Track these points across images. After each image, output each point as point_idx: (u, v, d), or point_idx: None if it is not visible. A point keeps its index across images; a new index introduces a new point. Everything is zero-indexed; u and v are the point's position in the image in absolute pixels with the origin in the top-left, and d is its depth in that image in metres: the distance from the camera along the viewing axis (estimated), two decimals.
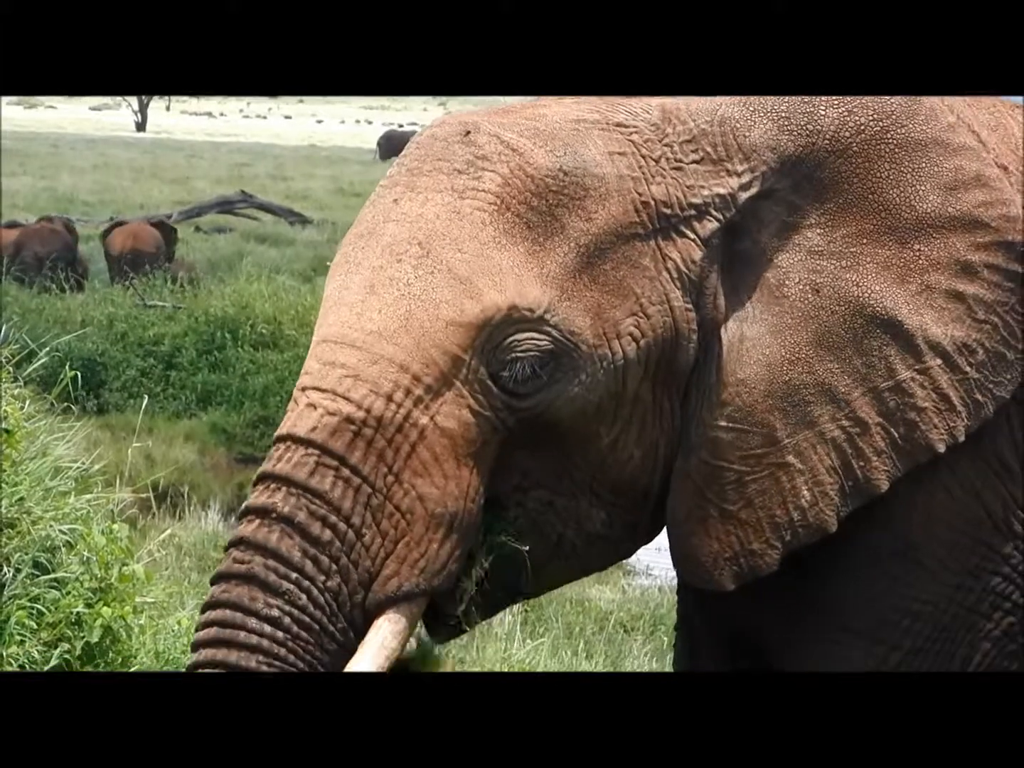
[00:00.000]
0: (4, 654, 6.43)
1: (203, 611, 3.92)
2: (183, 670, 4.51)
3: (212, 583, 3.92)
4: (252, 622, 3.77)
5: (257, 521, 3.84)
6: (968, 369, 4.22)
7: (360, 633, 3.85)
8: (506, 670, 7.85)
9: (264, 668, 3.80)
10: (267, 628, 3.74)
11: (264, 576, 3.77)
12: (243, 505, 4.05)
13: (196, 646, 3.91)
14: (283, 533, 3.80)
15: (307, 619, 3.79)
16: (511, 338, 3.94)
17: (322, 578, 3.80)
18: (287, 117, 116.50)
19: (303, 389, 3.97)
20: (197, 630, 3.96)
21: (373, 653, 3.79)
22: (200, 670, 3.93)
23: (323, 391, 3.90)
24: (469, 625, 4.25)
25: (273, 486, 3.86)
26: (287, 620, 3.77)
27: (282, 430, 3.94)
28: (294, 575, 3.79)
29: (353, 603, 3.86)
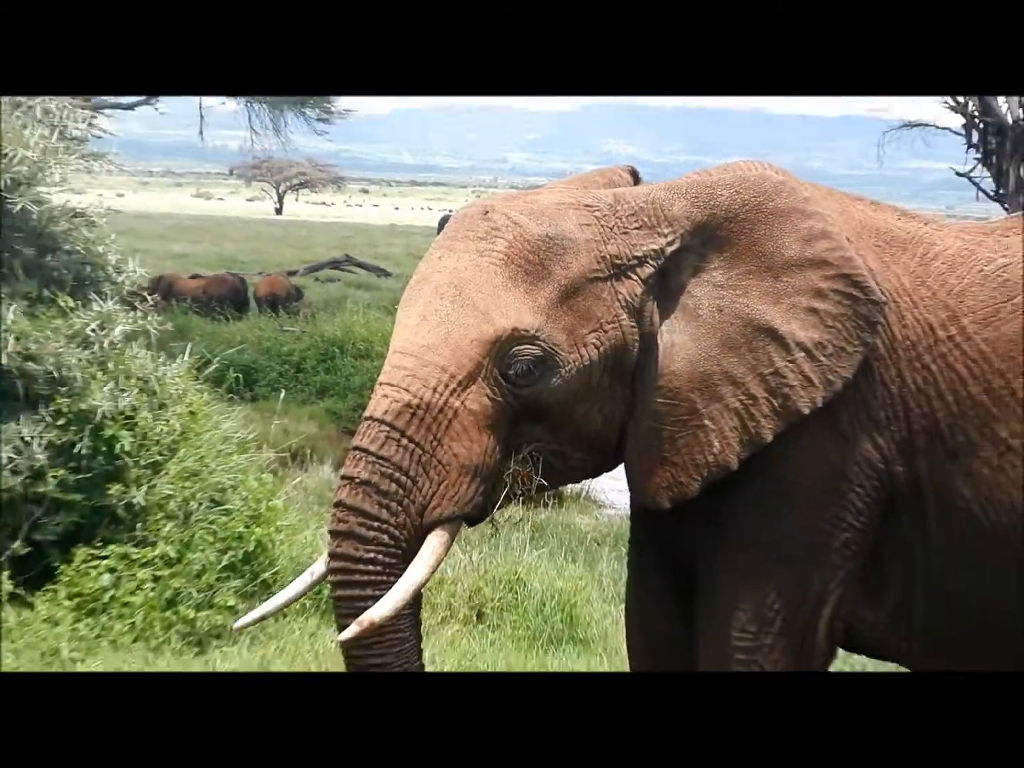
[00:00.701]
0: (192, 557, 7.37)
1: (329, 559, 4.48)
2: (311, 572, 4.86)
3: (330, 535, 4.49)
4: (360, 566, 4.38)
5: (348, 487, 4.40)
6: (822, 359, 4.62)
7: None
8: (519, 571, 8.48)
9: (376, 592, 4.34)
10: (370, 567, 4.36)
11: (359, 531, 4.36)
12: (341, 472, 4.61)
13: (332, 586, 4.53)
14: (365, 494, 4.35)
15: (392, 549, 4.37)
16: (514, 349, 4.44)
17: (394, 519, 4.35)
18: (375, 205, 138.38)
19: (380, 384, 4.48)
20: (328, 574, 4.54)
21: (426, 558, 4.37)
22: (338, 603, 4.51)
23: (392, 385, 4.42)
24: (505, 503, 4.79)
25: (358, 456, 4.40)
26: (380, 556, 4.36)
27: (367, 412, 4.46)
28: (376, 523, 4.35)
29: (414, 527, 4.38)
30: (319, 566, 4.74)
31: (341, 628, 4.40)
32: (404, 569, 4.39)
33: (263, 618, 5.09)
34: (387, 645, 4.49)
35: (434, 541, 4.44)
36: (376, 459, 4.39)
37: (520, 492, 4.75)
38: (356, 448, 4.47)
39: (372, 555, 4.40)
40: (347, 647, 4.47)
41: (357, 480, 4.40)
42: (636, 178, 5.17)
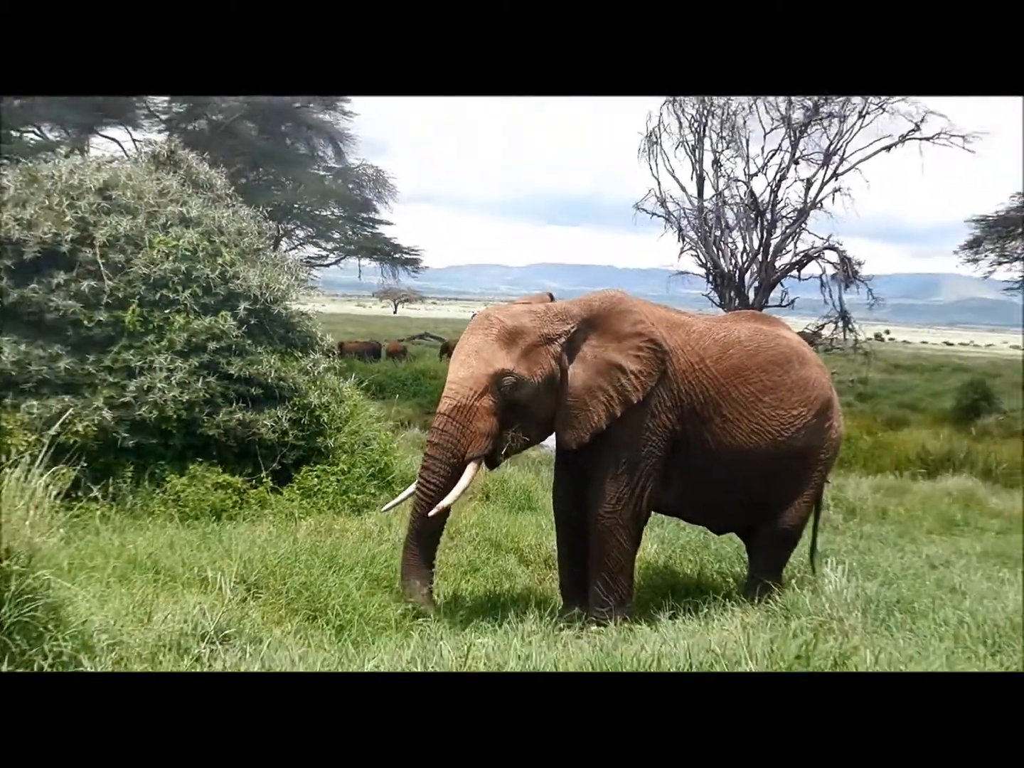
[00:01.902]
0: (355, 470, 7.29)
1: (419, 480, 4.58)
2: (415, 484, 4.67)
3: (421, 469, 4.59)
4: (430, 486, 4.50)
5: (430, 445, 4.57)
6: (641, 377, 4.64)
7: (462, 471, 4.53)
8: (504, 476, 8.09)
9: (440, 497, 4.43)
10: (433, 489, 4.48)
11: (433, 468, 4.50)
12: (427, 437, 4.76)
13: (417, 493, 4.59)
14: (437, 448, 4.52)
15: (447, 477, 4.48)
16: (503, 378, 4.49)
17: (449, 460, 4.49)
18: (446, 308, 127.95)
19: (443, 396, 4.57)
20: (417, 487, 4.60)
21: (465, 477, 4.51)
22: (419, 501, 4.52)
23: (448, 397, 4.52)
24: (505, 458, 4.83)
25: (434, 430, 4.57)
26: (441, 482, 4.48)
27: (438, 410, 4.59)
28: (440, 464, 4.49)
29: (459, 463, 4.49)
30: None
31: (422, 512, 4.48)
32: (455, 484, 4.49)
33: (395, 506, 5.09)
34: (432, 526, 4.54)
35: (469, 469, 4.54)
36: (441, 431, 4.51)
37: (516, 447, 4.73)
38: (433, 427, 4.60)
39: (436, 480, 4.50)
40: (415, 522, 4.54)
41: (433, 442, 4.55)
42: (552, 298, 5.00)
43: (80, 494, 5.99)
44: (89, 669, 2.87)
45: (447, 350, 25.73)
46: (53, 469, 3.22)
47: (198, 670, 2.91)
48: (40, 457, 3.19)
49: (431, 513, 4.43)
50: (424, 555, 4.62)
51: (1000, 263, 35.63)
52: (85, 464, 6.01)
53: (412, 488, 4.82)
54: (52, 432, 5.45)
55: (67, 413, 6.16)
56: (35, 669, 2.74)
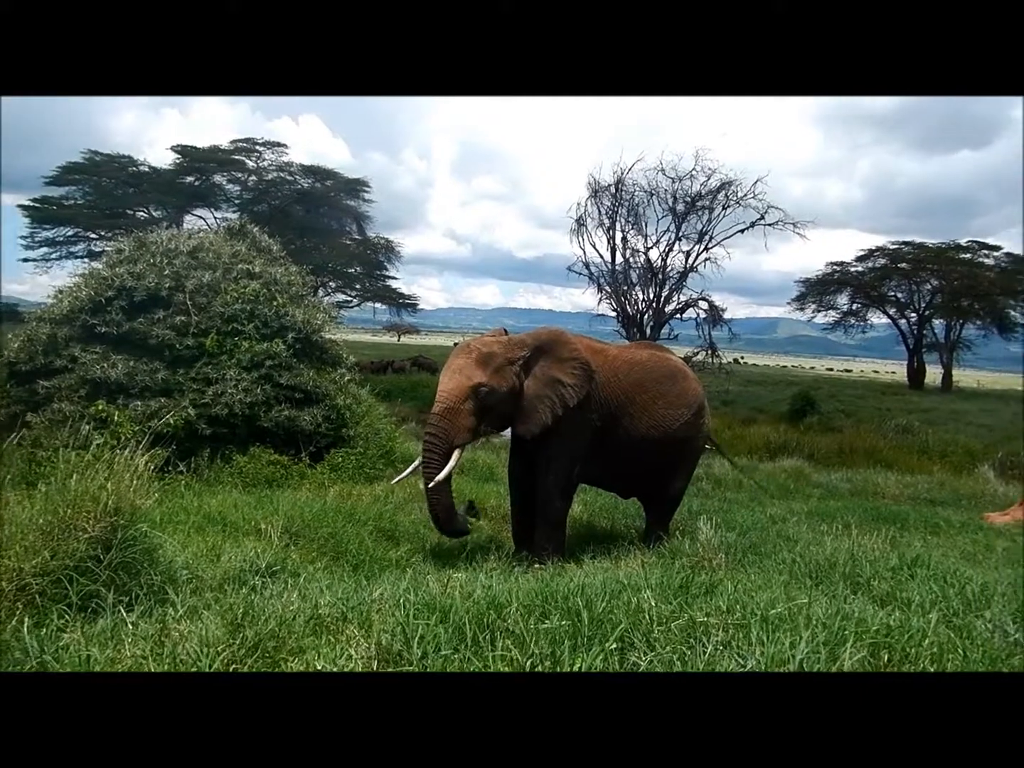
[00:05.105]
0: (368, 452, 6.95)
1: (422, 461, 4.33)
2: (414, 464, 4.52)
3: (422, 453, 4.33)
4: (431, 464, 4.24)
5: (428, 435, 4.31)
6: (576, 388, 4.46)
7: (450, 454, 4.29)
8: (475, 456, 7.59)
9: (437, 471, 4.17)
10: (433, 466, 4.22)
11: (431, 450, 4.24)
12: (424, 431, 4.48)
13: (423, 470, 4.30)
14: (433, 436, 4.28)
15: (442, 455, 4.23)
16: (480, 388, 4.28)
17: (441, 447, 4.25)
18: (434, 338, 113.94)
19: (436, 402, 4.35)
20: (422, 465, 4.31)
21: (453, 459, 4.27)
22: (425, 474, 4.22)
23: (439, 402, 4.30)
24: (476, 440, 4.64)
25: (430, 423, 4.32)
26: (438, 460, 4.22)
27: (432, 412, 4.37)
28: (436, 449, 4.24)
29: (448, 448, 4.25)
30: (416, 462, 4.57)
31: (426, 483, 4.26)
32: (446, 463, 4.27)
33: (400, 480, 4.88)
34: (442, 489, 4.28)
35: (456, 453, 4.33)
36: (436, 425, 4.28)
37: (485, 434, 4.58)
38: (429, 423, 4.37)
39: (435, 459, 4.26)
40: (428, 491, 4.27)
41: (430, 433, 4.30)
42: (506, 332, 4.83)
43: (170, 468, 5.87)
44: (174, 599, 2.54)
45: (416, 363, 25.19)
46: (151, 451, 3.16)
47: (255, 598, 2.57)
48: (142, 442, 3.13)
49: (431, 485, 4.24)
50: (444, 503, 4.39)
51: (818, 311, 37.04)
52: (174, 447, 5.93)
53: (414, 465, 4.64)
54: (151, 424, 5.50)
55: (162, 410, 6.24)
56: (133, 598, 2.57)
